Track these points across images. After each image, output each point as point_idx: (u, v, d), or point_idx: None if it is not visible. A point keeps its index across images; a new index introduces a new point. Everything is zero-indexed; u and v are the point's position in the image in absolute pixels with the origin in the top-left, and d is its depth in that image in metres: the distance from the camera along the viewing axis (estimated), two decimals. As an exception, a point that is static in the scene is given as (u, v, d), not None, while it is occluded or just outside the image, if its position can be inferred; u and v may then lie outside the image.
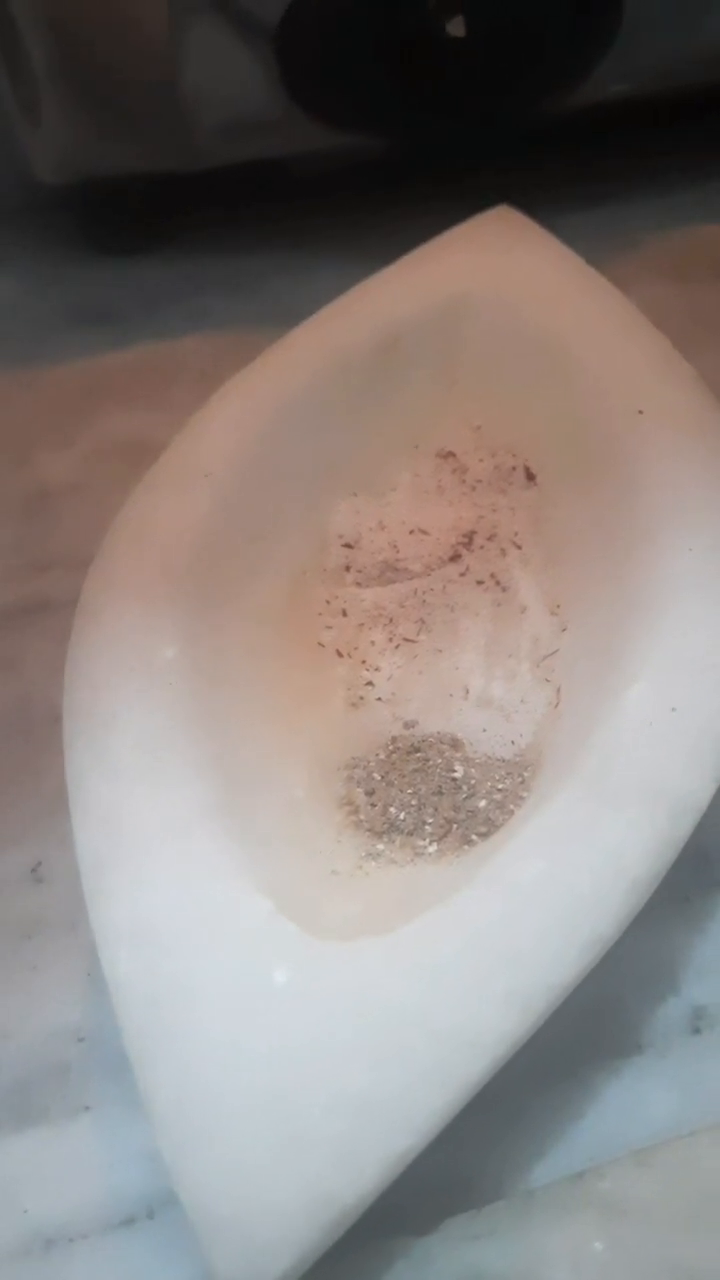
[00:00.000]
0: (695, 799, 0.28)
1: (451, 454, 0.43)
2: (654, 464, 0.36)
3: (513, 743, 0.35)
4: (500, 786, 0.32)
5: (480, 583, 0.39)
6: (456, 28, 0.49)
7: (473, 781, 0.33)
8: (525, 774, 0.33)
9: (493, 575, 0.39)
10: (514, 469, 0.42)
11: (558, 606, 0.38)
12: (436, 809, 0.32)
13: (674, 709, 0.29)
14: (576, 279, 0.43)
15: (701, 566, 0.33)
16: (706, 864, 0.35)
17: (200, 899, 0.26)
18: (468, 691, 0.36)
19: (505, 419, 0.42)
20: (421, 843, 0.31)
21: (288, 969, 0.25)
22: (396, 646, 0.38)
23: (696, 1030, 0.32)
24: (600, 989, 0.31)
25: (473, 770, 0.33)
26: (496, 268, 0.43)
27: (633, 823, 0.27)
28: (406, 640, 0.38)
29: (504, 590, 0.39)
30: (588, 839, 0.27)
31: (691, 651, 0.31)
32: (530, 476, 0.41)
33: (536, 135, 0.58)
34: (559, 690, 0.35)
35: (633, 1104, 0.30)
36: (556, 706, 0.35)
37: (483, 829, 0.31)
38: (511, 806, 0.32)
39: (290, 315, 0.45)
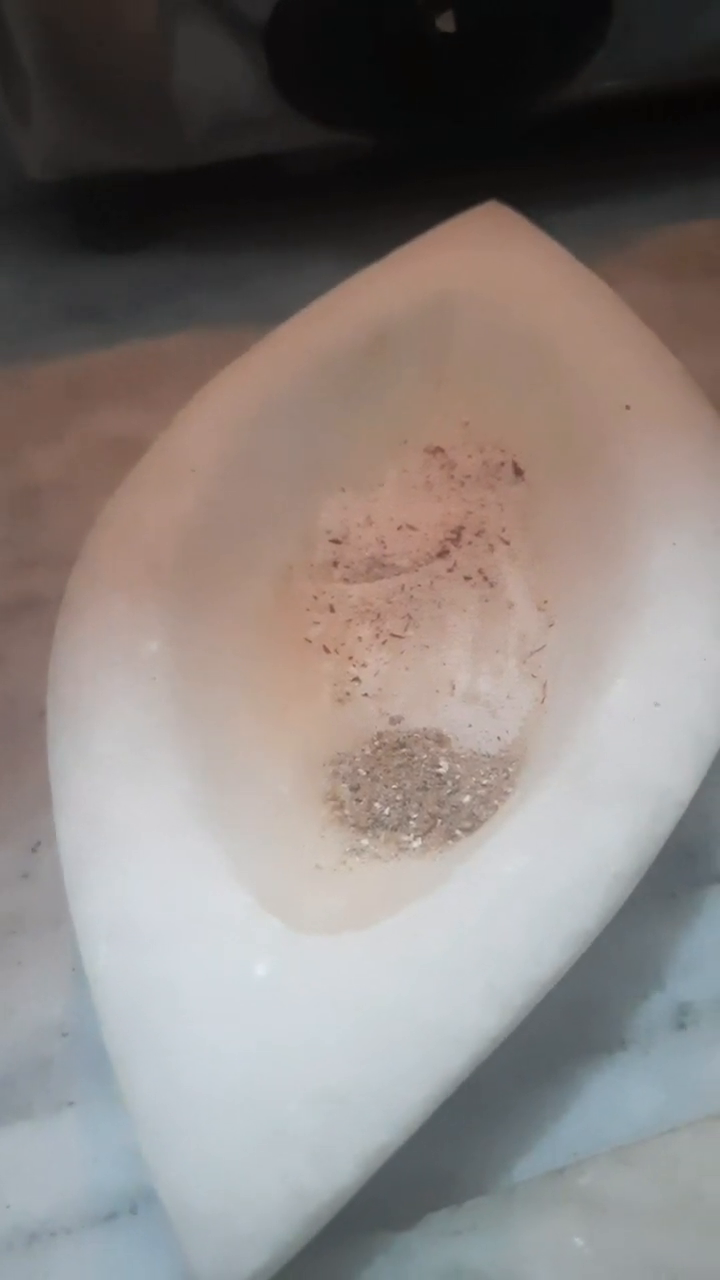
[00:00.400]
0: (677, 794, 0.28)
1: (440, 450, 0.43)
2: (641, 460, 0.36)
3: (498, 738, 0.35)
4: (485, 782, 0.32)
5: (468, 578, 0.39)
6: (446, 23, 0.49)
7: (457, 777, 0.33)
8: (510, 769, 0.33)
9: (480, 571, 0.39)
10: (502, 465, 0.42)
11: (545, 602, 0.38)
12: (421, 804, 0.32)
13: (657, 704, 0.29)
14: (565, 275, 0.43)
15: (685, 562, 0.33)
16: (691, 860, 0.35)
17: (181, 894, 0.26)
18: (454, 687, 0.36)
19: (494, 415, 0.42)
20: (406, 838, 0.31)
21: (268, 963, 0.24)
22: (383, 642, 0.37)
23: (681, 1026, 0.32)
24: (585, 985, 0.31)
25: (458, 766, 0.33)
26: (485, 263, 0.43)
27: (615, 818, 0.27)
28: (394, 636, 0.38)
29: (491, 586, 0.39)
30: (570, 835, 0.27)
31: (675, 647, 0.31)
32: (518, 472, 0.41)
33: (528, 132, 0.58)
34: (545, 686, 0.35)
35: (616, 1100, 0.30)
36: (542, 702, 0.35)
37: (467, 824, 0.31)
38: (496, 802, 0.32)
39: (280, 313, 0.45)
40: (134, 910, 0.26)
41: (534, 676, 0.36)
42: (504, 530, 0.40)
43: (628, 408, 0.37)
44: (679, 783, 0.28)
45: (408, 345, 0.43)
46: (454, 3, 0.49)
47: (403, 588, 0.39)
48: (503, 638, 0.37)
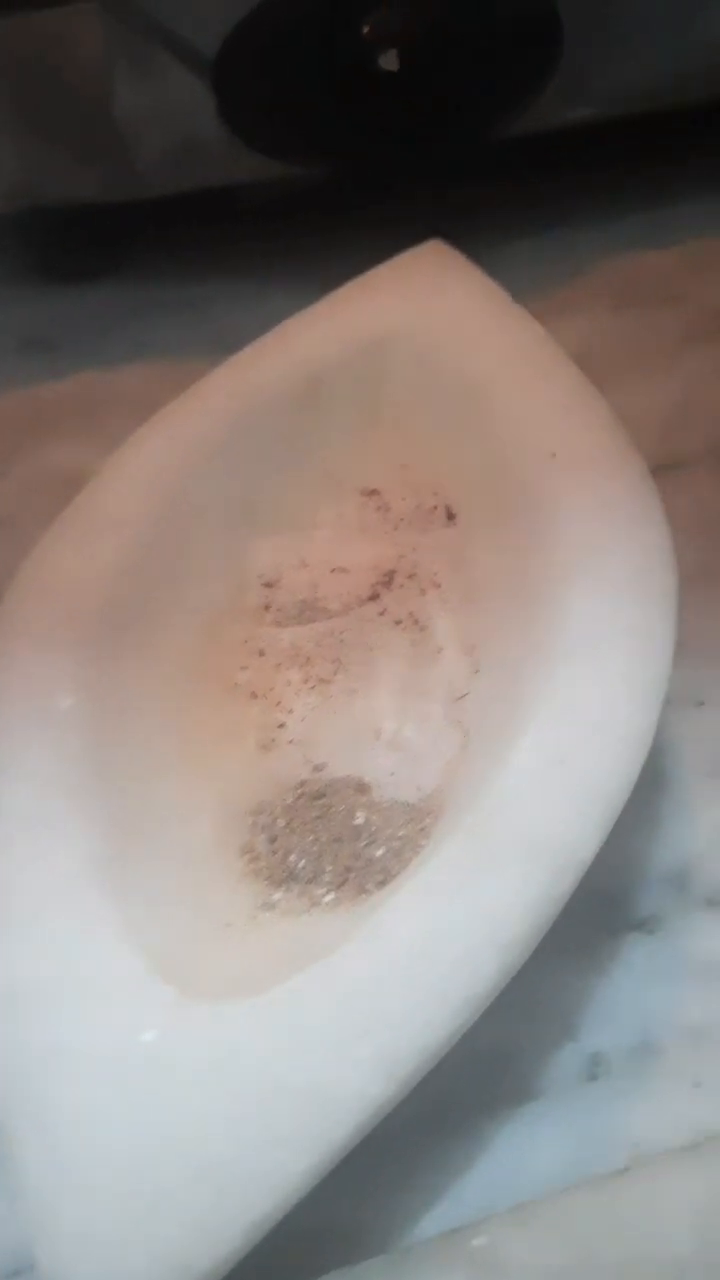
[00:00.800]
0: (578, 855, 0.28)
1: (376, 492, 0.43)
2: (564, 509, 0.36)
3: (419, 787, 0.35)
4: (400, 834, 0.33)
5: (399, 622, 0.39)
6: (389, 62, 0.49)
7: (373, 829, 0.33)
8: (427, 821, 0.33)
9: (411, 615, 0.40)
10: (435, 508, 0.42)
11: (473, 648, 0.38)
12: (336, 857, 0.32)
13: (562, 761, 0.29)
14: (501, 317, 0.43)
15: (601, 614, 0.33)
16: (611, 907, 0.35)
17: (74, 962, 0.26)
18: (379, 733, 0.36)
19: (428, 458, 0.43)
20: (319, 891, 0.31)
21: (155, 1034, 0.25)
22: (312, 687, 0.38)
23: (593, 1077, 0.32)
24: (498, 1035, 0.31)
25: (375, 817, 0.33)
26: (422, 306, 0.44)
27: (513, 881, 0.27)
28: (322, 681, 0.38)
29: (421, 630, 0.39)
30: (467, 897, 0.27)
31: (584, 702, 0.31)
32: (451, 516, 0.42)
33: (483, 162, 0.58)
34: (467, 734, 0.35)
35: (525, 1153, 0.30)
36: (464, 750, 0.35)
37: (379, 877, 0.31)
38: (409, 854, 0.32)
39: (234, 342, 0.45)
40: (24, 977, 0.26)
41: (458, 724, 0.36)
42: (436, 574, 0.41)
43: (554, 455, 0.38)
44: (579, 843, 0.28)
45: (344, 388, 0.43)
46: (398, 42, 0.49)
47: (333, 631, 0.39)
48: (430, 683, 0.38)
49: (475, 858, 0.28)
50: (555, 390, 0.40)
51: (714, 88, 0.58)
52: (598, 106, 0.57)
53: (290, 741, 0.36)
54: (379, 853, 0.32)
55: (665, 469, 0.50)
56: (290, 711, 0.37)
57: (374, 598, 0.40)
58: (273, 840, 0.33)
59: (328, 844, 0.33)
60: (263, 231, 0.59)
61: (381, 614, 0.40)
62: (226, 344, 0.45)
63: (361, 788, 0.34)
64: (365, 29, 0.50)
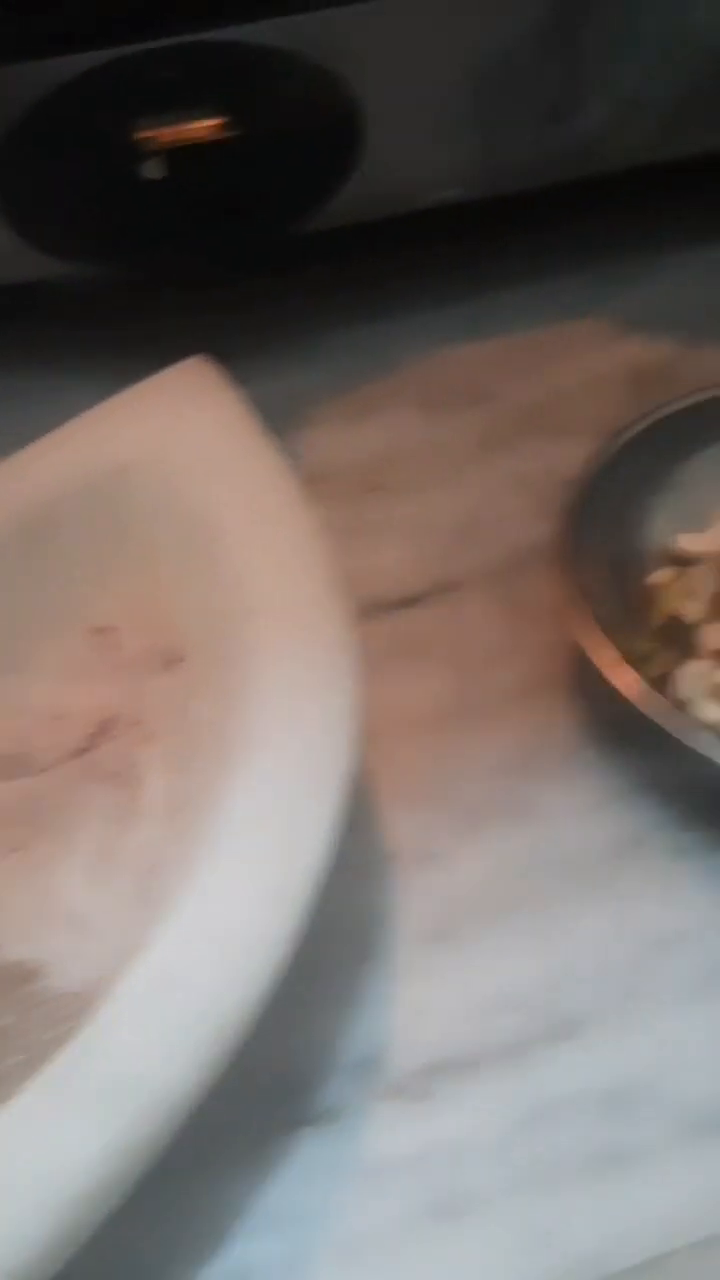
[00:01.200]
0: (171, 1095, 0.26)
1: (107, 630, 0.41)
2: (261, 669, 0.35)
3: (97, 971, 0.33)
4: (46, 1037, 0.31)
5: (112, 775, 0.38)
6: (153, 170, 0.48)
7: (19, 1030, 0.31)
8: (79, 1020, 0.32)
9: (128, 768, 0.38)
10: (165, 650, 0.41)
11: (180, 810, 0.37)
12: (-33, 1068, 0.31)
13: (174, 983, 0.28)
14: (243, 452, 0.41)
15: (261, 806, 0.32)
16: (289, 1099, 0.34)
17: None
18: (65, 908, 0.35)
19: (164, 595, 0.41)
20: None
21: None
22: (3, 855, 0.36)
23: (236, 1296, 0.31)
24: (138, 1246, 0.30)
25: (28, 1014, 0.32)
26: (166, 435, 0.42)
27: (84, 1128, 0.26)
28: (15, 848, 0.36)
29: (135, 787, 0.38)
30: (25, 1151, 0.25)
31: (216, 912, 0.29)
32: (178, 661, 0.40)
33: (291, 254, 0.57)
34: (150, 914, 0.34)
35: None
36: (141, 934, 0.33)
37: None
38: (40, 1065, 0.30)
39: (23, 446, 0.43)
40: None
41: (147, 900, 0.35)
42: (159, 721, 0.39)
43: (259, 609, 0.36)
44: (174, 1081, 0.27)
45: (80, 519, 0.42)
46: (166, 149, 0.48)
47: (37, 789, 0.38)
48: (129, 851, 0.36)
49: (50, 1099, 0.26)
50: (280, 532, 0.39)
51: (530, 178, 0.57)
52: (405, 201, 0.56)
53: (-33, 920, 0.35)
54: (17, 1060, 0.31)
55: (441, 591, 0.49)
56: (-25, 884, 0.36)
57: (88, 750, 0.39)
58: None
59: (-39, 1053, 0.31)
60: (61, 327, 0.57)
61: (94, 768, 0.38)
62: (17, 446, 0.44)
63: (28, 977, 0.33)
64: (135, 135, 0.48)
